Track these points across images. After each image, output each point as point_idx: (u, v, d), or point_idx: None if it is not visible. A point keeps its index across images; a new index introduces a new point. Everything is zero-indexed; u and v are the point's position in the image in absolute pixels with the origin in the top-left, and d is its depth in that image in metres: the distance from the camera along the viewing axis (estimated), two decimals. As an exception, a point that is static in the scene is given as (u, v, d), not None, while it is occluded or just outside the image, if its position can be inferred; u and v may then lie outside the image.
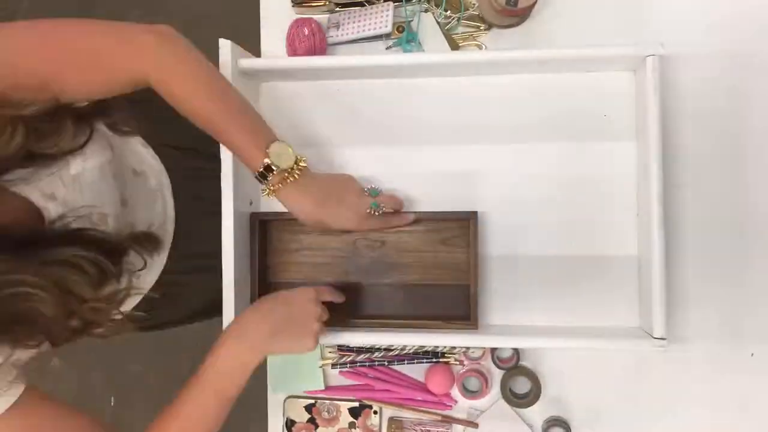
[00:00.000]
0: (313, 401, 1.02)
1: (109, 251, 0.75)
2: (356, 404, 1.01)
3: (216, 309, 0.92)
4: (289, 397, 1.03)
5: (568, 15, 0.98)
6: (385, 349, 1.01)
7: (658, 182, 0.85)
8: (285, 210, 0.88)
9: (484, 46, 1.00)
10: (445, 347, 0.99)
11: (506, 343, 0.91)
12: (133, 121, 0.85)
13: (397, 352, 1.01)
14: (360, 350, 1.01)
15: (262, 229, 0.97)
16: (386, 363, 1.01)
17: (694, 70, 0.95)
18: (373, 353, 1.01)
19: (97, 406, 2.00)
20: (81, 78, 0.73)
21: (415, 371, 1.01)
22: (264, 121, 0.82)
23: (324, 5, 1.02)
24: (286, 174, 0.80)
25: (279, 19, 1.03)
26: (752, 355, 0.95)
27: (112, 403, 1.98)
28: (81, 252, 0.71)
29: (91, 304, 0.72)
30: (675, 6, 0.96)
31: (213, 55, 0.88)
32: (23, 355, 0.70)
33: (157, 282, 0.94)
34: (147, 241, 0.87)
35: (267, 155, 0.78)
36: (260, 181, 0.81)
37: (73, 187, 0.75)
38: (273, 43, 1.04)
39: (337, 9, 1.03)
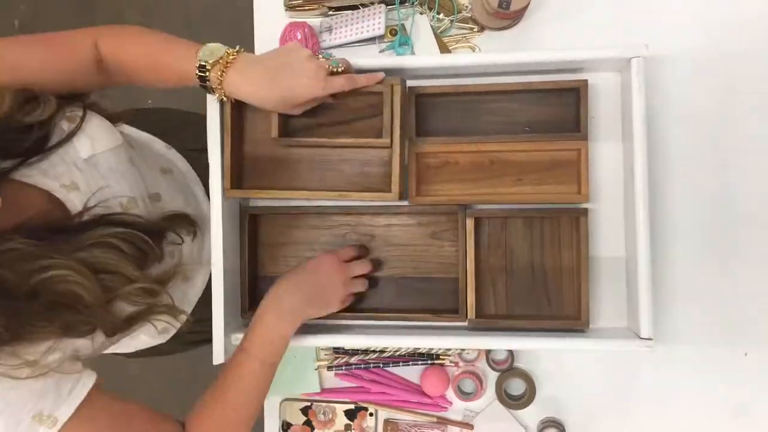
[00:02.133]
0: (308, 403, 1.03)
1: (145, 233, 0.76)
2: (352, 406, 1.01)
3: None
4: (285, 399, 1.03)
5: (560, 17, 0.98)
6: (379, 351, 1.01)
7: (644, 183, 0.85)
8: (275, 204, 0.88)
9: (477, 48, 1.00)
10: (439, 349, 1.00)
11: (497, 344, 0.91)
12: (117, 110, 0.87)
13: (391, 354, 1.01)
14: (355, 352, 1.02)
15: (252, 223, 0.98)
16: (381, 365, 1.01)
17: (679, 71, 0.95)
18: (367, 355, 1.01)
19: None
20: (42, 57, 0.78)
21: (411, 373, 1.02)
22: (193, 43, 0.82)
23: (317, 9, 1.03)
24: (221, 66, 0.78)
25: (272, 23, 1.03)
26: (746, 354, 0.95)
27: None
28: (114, 231, 0.73)
29: (139, 285, 0.73)
30: (662, 8, 0.97)
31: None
32: (81, 346, 0.71)
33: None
34: (182, 221, 0.88)
35: (199, 54, 0.78)
36: (205, 88, 0.81)
37: (91, 173, 0.77)
38: (267, 47, 1.03)
39: (331, 13, 1.03)
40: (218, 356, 0.90)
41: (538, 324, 0.92)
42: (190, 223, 0.90)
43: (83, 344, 0.72)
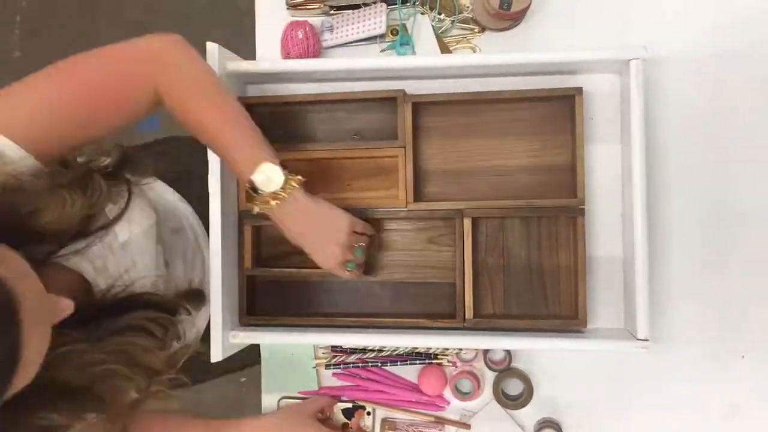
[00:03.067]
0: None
1: (165, 311, 0.78)
2: (349, 405, 1.02)
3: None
4: (283, 397, 1.04)
5: (560, 18, 0.99)
6: (377, 350, 1.01)
7: (642, 184, 0.86)
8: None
9: (478, 49, 1.00)
10: (437, 348, 1.00)
11: (495, 344, 0.91)
12: (149, 164, 0.85)
13: (389, 353, 1.01)
14: (353, 351, 1.02)
15: (251, 231, 0.98)
16: (379, 364, 1.01)
17: (677, 72, 0.96)
18: (365, 354, 1.01)
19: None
20: (111, 106, 0.75)
21: (408, 372, 1.02)
22: (261, 136, 0.81)
23: (318, 8, 1.03)
24: (272, 196, 0.79)
25: (274, 22, 1.03)
26: (743, 357, 0.96)
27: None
28: (144, 314, 0.74)
29: (164, 377, 0.74)
30: (661, 10, 0.97)
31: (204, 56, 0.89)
32: None
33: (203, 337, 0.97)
34: (193, 297, 0.89)
35: (253, 178, 0.78)
36: (251, 197, 0.81)
37: (122, 255, 0.77)
38: (268, 46, 1.04)
39: (332, 12, 1.03)
40: (216, 354, 0.90)
41: (536, 324, 0.93)
42: (201, 299, 0.91)
43: None
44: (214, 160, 0.90)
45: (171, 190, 1.01)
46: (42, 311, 0.54)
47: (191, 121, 0.79)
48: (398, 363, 1.01)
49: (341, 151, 0.95)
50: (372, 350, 1.02)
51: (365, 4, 1.02)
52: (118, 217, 0.75)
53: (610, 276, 0.95)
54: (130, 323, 0.72)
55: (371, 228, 0.90)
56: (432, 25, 1.01)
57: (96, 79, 0.74)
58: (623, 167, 0.93)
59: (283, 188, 0.78)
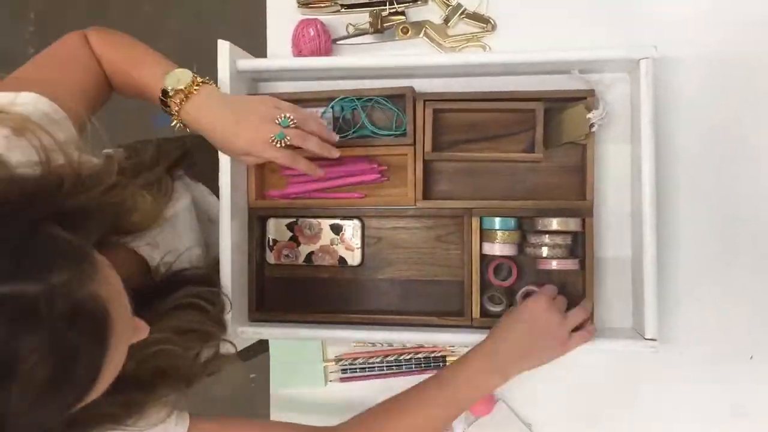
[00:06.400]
0: (294, 219, 1.00)
1: (210, 285, 0.81)
2: (338, 221, 0.99)
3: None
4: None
5: (570, 18, 0.98)
6: (383, 357, 1.02)
7: (652, 184, 0.86)
8: (281, 206, 0.90)
9: (488, 47, 1.00)
10: (444, 349, 1.00)
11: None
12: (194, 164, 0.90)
13: (395, 358, 1.02)
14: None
15: (261, 225, 0.99)
16: (385, 368, 1.02)
17: (687, 72, 0.95)
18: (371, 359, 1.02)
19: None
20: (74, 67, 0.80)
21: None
22: (169, 61, 0.83)
23: (329, 6, 1.04)
24: (183, 94, 0.79)
25: (285, 20, 1.04)
26: (751, 358, 0.95)
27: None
28: (195, 291, 0.77)
29: (218, 339, 0.78)
30: (671, 9, 0.96)
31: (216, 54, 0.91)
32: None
33: None
34: None
35: (164, 83, 0.79)
36: (164, 110, 0.81)
37: (171, 231, 0.80)
38: (279, 44, 1.05)
39: (343, 10, 1.04)
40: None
41: None
42: None
43: None
44: (224, 157, 0.91)
45: (199, 183, 1.02)
46: (127, 332, 0.55)
47: (111, 71, 0.83)
48: (403, 366, 1.01)
49: (350, 149, 0.96)
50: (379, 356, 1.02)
51: (374, 3, 1.02)
52: (168, 199, 0.79)
53: (617, 275, 0.95)
54: (181, 302, 0.75)
55: (306, 112, 0.85)
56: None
57: (46, 62, 0.80)
58: (632, 167, 0.93)
59: (193, 83, 0.79)
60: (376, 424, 0.82)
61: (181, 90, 0.78)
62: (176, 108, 0.79)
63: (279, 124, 0.81)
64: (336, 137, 0.89)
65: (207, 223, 0.96)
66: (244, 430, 0.81)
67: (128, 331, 0.56)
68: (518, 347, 0.83)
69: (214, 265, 0.88)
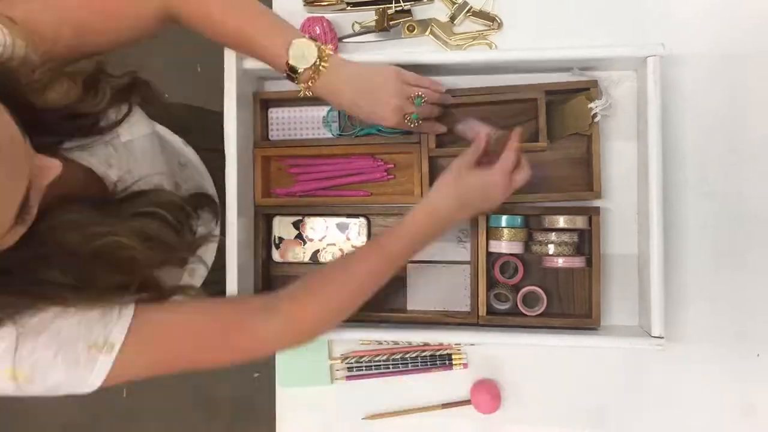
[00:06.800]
0: (300, 217, 1.01)
1: (178, 208, 0.78)
2: (344, 219, 1.00)
3: None
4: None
5: (577, 16, 0.98)
6: (389, 356, 1.02)
7: (658, 181, 0.86)
8: (287, 204, 0.92)
9: (494, 45, 1.00)
10: (450, 348, 1.00)
11: (508, 340, 0.92)
12: (160, 97, 0.86)
13: (401, 356, 1.01)
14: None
15: (266, 223, 0.99)
16: (390, 366, 1.02)
17: (694, 70, 0.95)
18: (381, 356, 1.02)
19: (110, 398, 2.03)
20: (111, 16, 0.77)
21: (424, 381, 1.02)
22: (283, 21, 0.83)
23: (335, 4, 1.03)
24: (312, 71, 0.80)
25: (291, 18, 1.03)
26: (758, 355, 0.95)
27: (125, 395, 2.01)
28: (156, 202, 0.75)
29: (180, 253, 0.75)
30: (679, 7, 0.96)
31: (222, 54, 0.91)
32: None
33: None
34: (205, 201, 0.89)
35: (288, 57, 0.79)
36: (293, 80, 0.82)
37: (127, 155, 0.79)
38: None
39: (349, 8, 1.04)
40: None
41: (549, 322, 0.93)
42: (213, 207, 0.91)
43: None
44: (230, 155, 0.91)
45: (175, 136, 1.03)
46: (11, 157, 0.54)
47: (216, 33, 0.81)
48: (409, 365, 1.01)
49: (356, 146, 0.96)
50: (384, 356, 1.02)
51: (380, 1, 1.02)
52: (119, 121, 0.77)
53: (624, 273, 0.95)
54: (141, 210, 0.73)
55: (427, 80, 0.88)
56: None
57: None
58: (639, 164, 0.93)
59: (320, 58, 0.80)
60: (314, 288, 0.80)
61: (310, 67, 0.80)
62: (306, 85, 0.81)
63: (413, 103, 0.85)
64: (449, 98, 0.93)
65: (177, 165, 0.96)
66: (190, 310, 0.77)
67: (14, 155, 0.54)
68: (462, 208, 0.82)
69: (187, 198, 0.85)
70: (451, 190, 0.82)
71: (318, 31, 1.00)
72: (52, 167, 0.59)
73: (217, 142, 0.92)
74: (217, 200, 0.96)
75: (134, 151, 0.80)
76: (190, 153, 1.04)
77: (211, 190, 1.03)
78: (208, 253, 0.99)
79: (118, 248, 0.68)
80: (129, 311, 0.70)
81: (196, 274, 0.97)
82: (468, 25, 1.01)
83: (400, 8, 1.02)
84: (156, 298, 0.73)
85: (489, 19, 1.01)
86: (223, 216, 0.92)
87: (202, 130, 1.05)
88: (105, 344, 0.67)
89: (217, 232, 0.95)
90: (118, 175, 0.76)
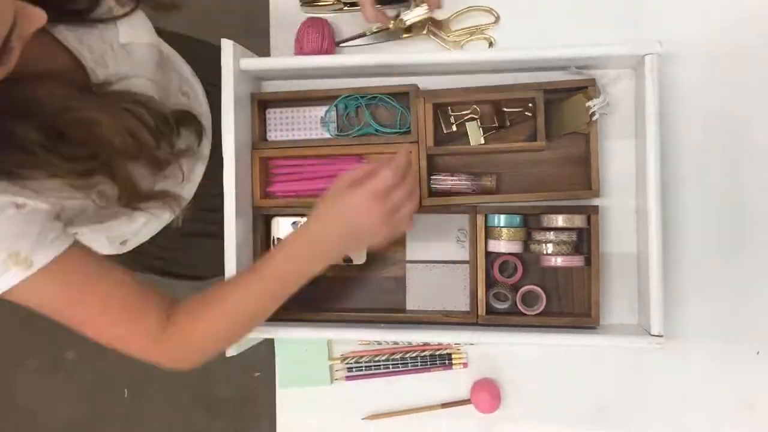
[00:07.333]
0: (299, 218, 0.99)
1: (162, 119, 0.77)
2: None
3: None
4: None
5: (573, 14, 0.98)
6: (390, 353, 1.02)
7: (657, 180, 0.86)
8: (286, 205, 0.94)
9: (492, 40, 1.00)
10: (449, 348, 1.00)
11: (508, 339, 0.92)
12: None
13: (401, 356, 1.01)
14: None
15: (264, 223, 0.99)
16: (390, 366, 1.02)
17: (692, 68, 0.95)
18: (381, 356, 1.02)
19: (111, 398, 2.03)
20: None
21: (424, 381, 1.02)
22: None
23: (332, 4, 1.03)
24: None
25: (289, 19, 1.04)
26: (758, 353, 0.95)
27: (126, 395, 2.02)
28: (137, 101, 0.73)
29: (158, 153, 0.74)
30: (677, 4, 0.96)
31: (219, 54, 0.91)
32: (70, 207, 0.72)
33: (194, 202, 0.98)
34: (189, 121, 0.87)
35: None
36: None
37: (122, 59, 0.77)
38: (283, 43, 1.05)
39: (345, 8, 1.04)
40: (230, 350, 0.91)
41: (548, 321, 0.93)
42: (198, 127, 0.89)
43: (73, 206, 0.72)
44: (228, 156, 0.91)
45: (186, 63, 1.01)
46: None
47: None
48: (409, 364, 1.01)
49: (354, 146, 0.96)
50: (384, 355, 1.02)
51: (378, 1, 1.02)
52: (120, 15, 0.76)
53: (623, 272, 0.95)
54: (128, 107, 0.71)
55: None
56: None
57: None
58: (637, 163, 0.93)
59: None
60: (203, 314, 0.79)
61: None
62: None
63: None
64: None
65: (179, 96, 0.94)
66: (118, 279, 0.76)
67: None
68: (340, 237, 0.79)
69: (173, 111, 0.83)
70: (320, 210, 0.79)
71: (315, 32, 0.99)
72: (36, 15, 0.59)
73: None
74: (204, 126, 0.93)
75: (132, 55, 0.78)
76: (195, 84, 1.01)
77: (209, 129, 1.00)
78: (196, 171, 0.98)
79: (94, 125, 0.67)
80: (64, 243, 0.70)
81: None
82: (465, 21, 1.01)
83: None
84: (127, 195, 0.72)
85: (487, 13, 1.00)
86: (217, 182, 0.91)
87: (211, 65, 0.98)
88: (25, 260, 0.67)
89: (200, 150, 0.94)
90: (106, 75, 0.74)
